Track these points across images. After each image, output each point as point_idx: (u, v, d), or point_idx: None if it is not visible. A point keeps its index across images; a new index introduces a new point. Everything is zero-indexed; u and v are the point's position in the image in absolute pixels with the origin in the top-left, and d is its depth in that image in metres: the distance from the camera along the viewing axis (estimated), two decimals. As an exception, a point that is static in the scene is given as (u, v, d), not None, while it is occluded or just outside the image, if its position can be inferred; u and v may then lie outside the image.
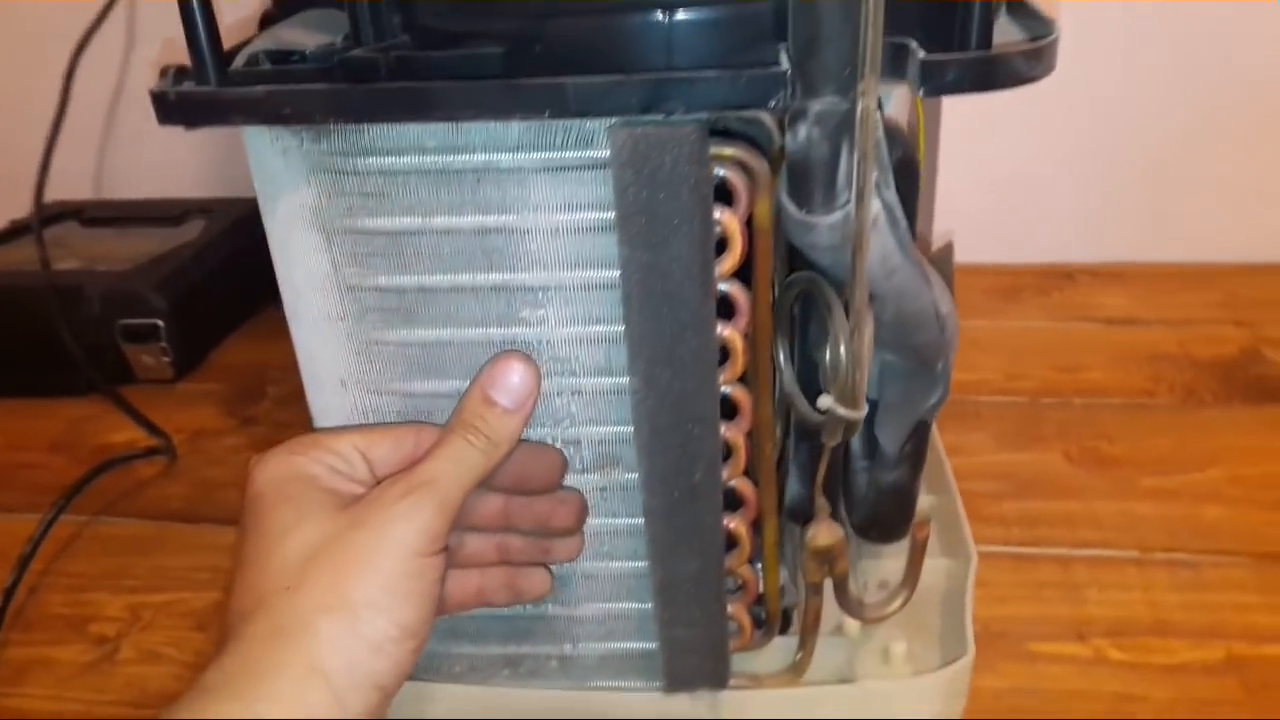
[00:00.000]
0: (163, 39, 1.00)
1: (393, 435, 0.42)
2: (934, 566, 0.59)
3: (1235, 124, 0.96)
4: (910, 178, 0.48)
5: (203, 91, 0.37)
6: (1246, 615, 0.61)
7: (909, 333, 0.46)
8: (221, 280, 0.98)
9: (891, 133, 0.46)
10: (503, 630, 0.49)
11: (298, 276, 0.43)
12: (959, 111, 0.93)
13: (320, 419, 0.46)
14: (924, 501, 0.64)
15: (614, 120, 0.37)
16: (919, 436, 0.52)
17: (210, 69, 0.37)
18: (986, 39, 0.38)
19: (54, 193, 0.83)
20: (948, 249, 0.81)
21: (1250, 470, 0.73)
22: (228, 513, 0.75)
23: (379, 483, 0.40)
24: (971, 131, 0.97)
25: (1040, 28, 0.41)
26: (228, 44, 0.42)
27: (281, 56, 0.41)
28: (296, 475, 0.40)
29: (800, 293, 0.46)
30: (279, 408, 0.87)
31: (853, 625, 0.54)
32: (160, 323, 0.89)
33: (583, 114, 0.36)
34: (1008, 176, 1.01)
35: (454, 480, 0.39)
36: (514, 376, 0.40)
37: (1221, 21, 0.92)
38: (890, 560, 0.58)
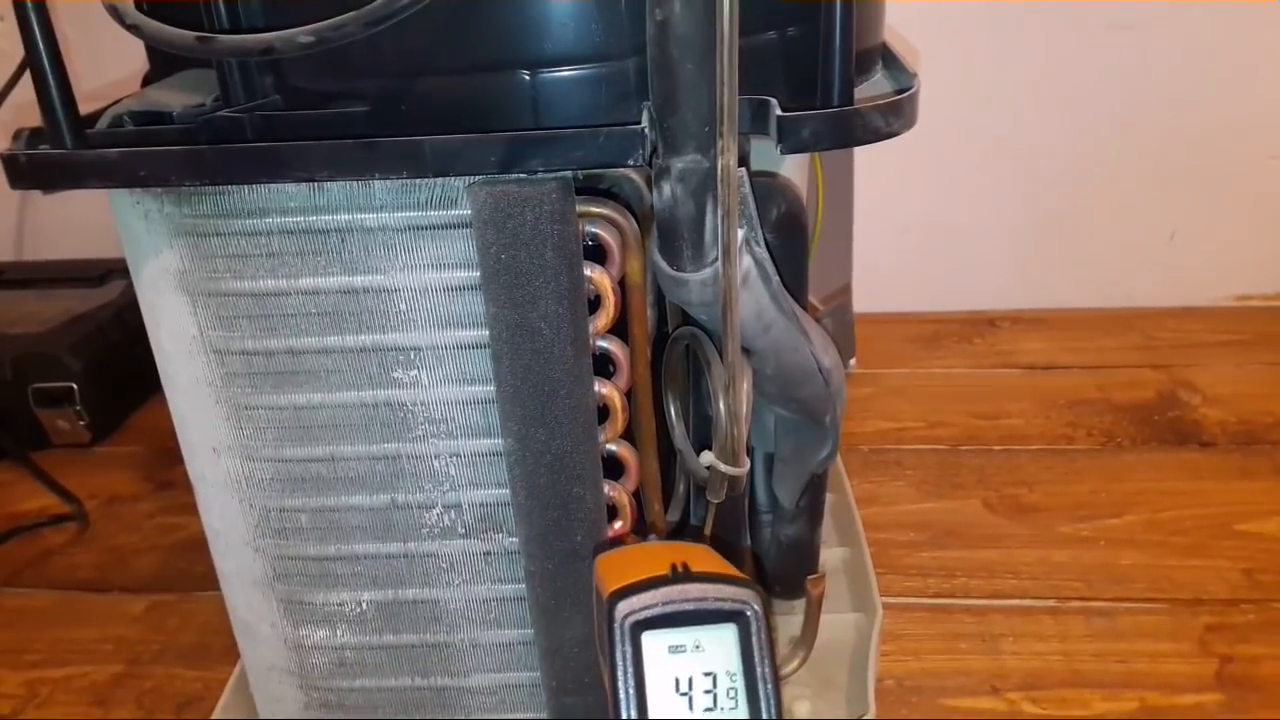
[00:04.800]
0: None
1: None
2: (843, 621, 0.59)
3: (1146, 171, 0.98)
4: (796, 233, 0.48)
5: (55, 154, 0.37)
6: (1160, 664, 0.60)
7: (793, 386, 0.46)
8: (142, 341, 0.96)
9: (773, 188, 0.47)
10: (393, 702, 0.47)
11: (166, 340, 0.42)
12: (879, 161, 0.95)
13: (197, 485, 0.45)
14: (835, 555, 0.64)
15: (474, 178, 0.36)
16: (814, 490, 0.51)
17: (65, 131, 0.37)
18: (848, 94, 0.38)
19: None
20: (844, 295, 0.82)
21: (1166, 514, 0.73)
22: (139, 580, 0.73)
23: None
24: (891, 181, 0.98)
25: (904, 80, 0.41)
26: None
27: (148, 117, 0.41)
28: None
29: (687, 348, 0.46)
30: (196, 471, 0.86)
31: (757, 684, 0.53)
32: (74, 386, 0.87)
33: (441, 173, 0.36)
34: (929, 225, 1.02)
35: None
36: None
37: (1132, 72, 0.94)
38: (801, 616, 0.57)
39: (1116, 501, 0.75)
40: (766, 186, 0.46)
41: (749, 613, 0.38)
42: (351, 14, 0.34)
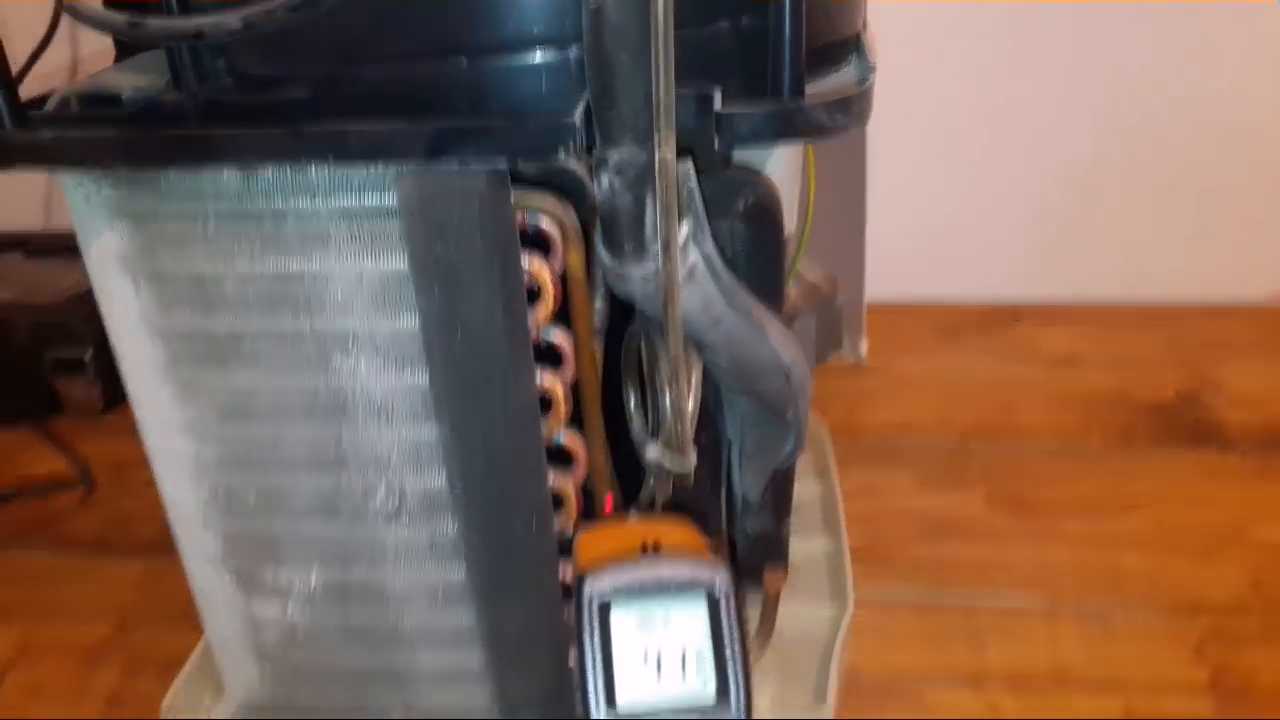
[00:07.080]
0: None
1: None
2: (819, 615, 0.58)
3: (1179, 162, 0.95)
4: (767, 223, 0.47)
5: (-9, 135, 0.37)
6: (1151, 669, 0.59)
7: (752, 379, 0.45)
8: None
9: (738, 180, 0.45)
10: (345, 678, 0.47)
11: (116, 320, 0.42)
12: (903, 148, 0.92)
13: (153, 460, 0.46)
14: (818, 548, 0.63)
15: (405, 168, 0.36)
16: (780, 485, 0.50)
17: (3, 112, 0.37)
18: (798, 88, 0.37)
19: (3, 222, 0.82)
20: (830, 287, 0.80)
21: (1176, 518, 0.71)
22: (139, 545, 0.75)
23: None
24: (915, 168, 0.96)
25: (866, 73, 0.40)
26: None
27: (98, 100, 0.41)
28: None
29: (643, 342, 0.45)
30: (204, 440, 0.87)
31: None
32: (89, 355, 0.88)
33: (368, 161, 0.35)
34: (954, 214, 1.00)
35: None
36: None
37: (1161, 62, 0.91)
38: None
39: (1125, 501, 0.73)
40: (729, 178, 0.44)
41: (717, 590, 0.38)
42: (277, -1, 0.34)
